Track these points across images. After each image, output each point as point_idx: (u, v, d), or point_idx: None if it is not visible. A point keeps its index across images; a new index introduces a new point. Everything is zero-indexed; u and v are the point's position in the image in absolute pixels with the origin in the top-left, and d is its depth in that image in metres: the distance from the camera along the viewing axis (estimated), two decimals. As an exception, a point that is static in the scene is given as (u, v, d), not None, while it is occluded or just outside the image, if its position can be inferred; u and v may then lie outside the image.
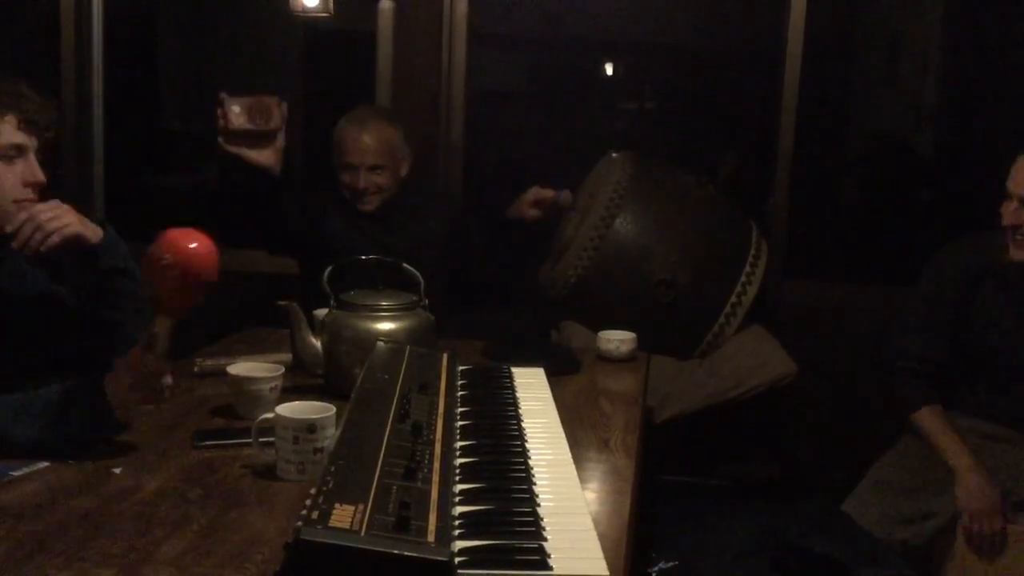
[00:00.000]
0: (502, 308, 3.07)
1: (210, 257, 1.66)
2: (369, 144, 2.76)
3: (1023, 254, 2.38)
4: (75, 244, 1.77)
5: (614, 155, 3.21)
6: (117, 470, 1.58)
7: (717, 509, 2.68)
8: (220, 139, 2.38)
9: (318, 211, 2.76)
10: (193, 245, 1.65)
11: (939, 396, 2.55)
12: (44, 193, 1.82)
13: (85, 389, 1.64)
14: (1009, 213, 2.37)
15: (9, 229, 1.75)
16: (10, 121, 1.74)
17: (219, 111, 2.36)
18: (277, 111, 2.39)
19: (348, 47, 4.04)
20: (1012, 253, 2.40)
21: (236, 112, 2.37)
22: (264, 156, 2.42)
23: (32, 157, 1.77)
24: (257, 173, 2.43)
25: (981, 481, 2.39)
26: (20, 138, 1.75)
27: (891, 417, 2.68)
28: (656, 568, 2.37)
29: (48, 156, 1.83)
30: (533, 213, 2.81)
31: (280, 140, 2.44)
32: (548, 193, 2.81)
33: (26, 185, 1.77)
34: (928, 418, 2.53)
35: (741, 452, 3.18)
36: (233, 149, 2.40)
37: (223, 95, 2.36)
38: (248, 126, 2.38)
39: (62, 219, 1.75)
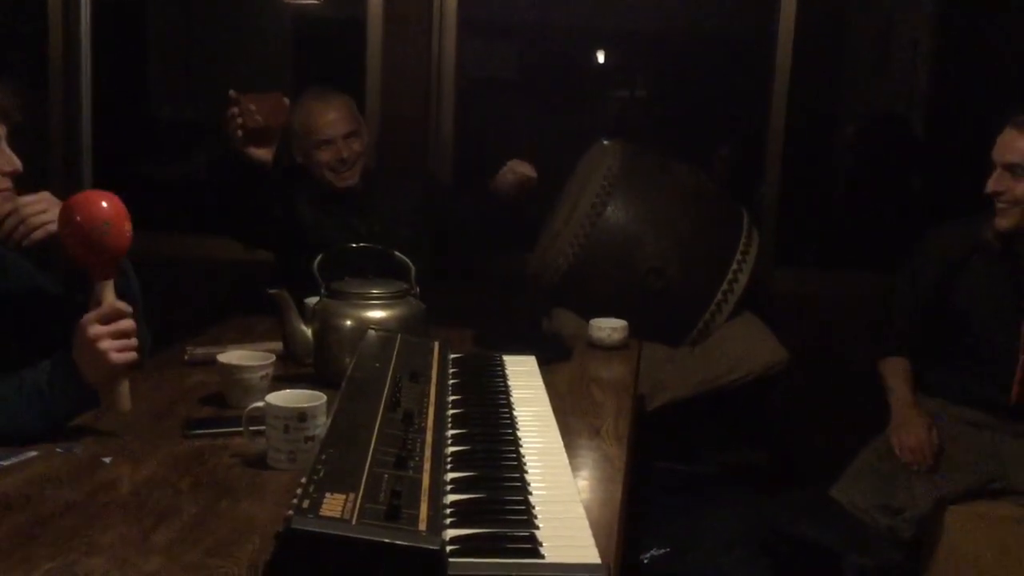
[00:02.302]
0: (492, 295, 3.08)
1: (111, 212, 1.66)
2: (337, 114, 2.81)
3: (1006, 222, 2.41)
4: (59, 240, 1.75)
5: (605, 143, 3.21)
6: (107, 460, 1.57)
7: (708, 496, 2.69)
8: (236, 136, 2.37)
9: (287, 199, 2.74)
10: (101, 205, 1.66)
11: (908, 353, 2.66)
12: (31, 184, 1.80)
13: (61, 368, 1.64)
14: (992, 180, 2.40)
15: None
16: None
17: (234, 109, 2.35)
18: (282, 107, 2.40)
19: (337, 35, 4.02)
20: (996, 223, 2.42)
21: (253, 110, 2.36)
22: (263, 152, 2.43)
23: (4, 144, 1.75)
24: (254, 168, 2.43)
25: (912, 414, 2.52)
26: None
27: (880, 404, 2.69)
28: (648, 555, 2.38)
29: (29, 146, 1.80)
30: (510, 179, 2.82)
31: (278, 135, 2.45)
32: (523, 165, 2.82)
33: (3, 173, 1.74)
34: (892, 365, 2.65)
35: (732, 439, 3.18)
36: (246, 147, 2.39)
37: (235, 93, 2.36)
38: (264, 124, 2.38)
39: (48, 213, 1.73)
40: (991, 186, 2.40)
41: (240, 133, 2.36)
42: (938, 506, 2.45)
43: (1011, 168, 2.36)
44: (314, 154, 2.80)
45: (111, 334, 1.64)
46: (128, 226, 1.68)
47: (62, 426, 1.66)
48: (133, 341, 1.67)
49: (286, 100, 2.40)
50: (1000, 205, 2.40)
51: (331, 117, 2.80)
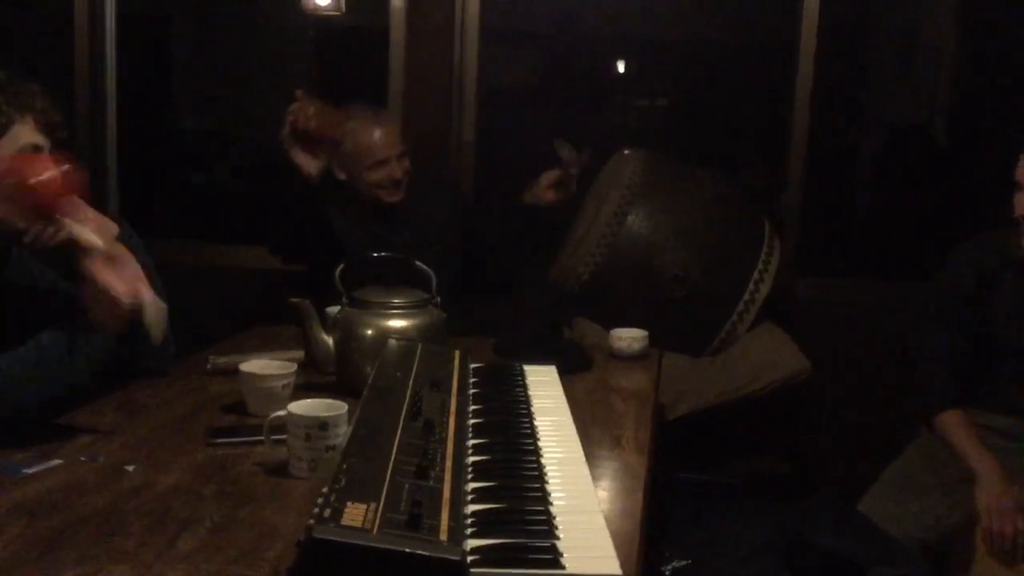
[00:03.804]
0: (513, 305, 3.08)
1: (37, 167, 1.68)
2: (389, 134, 2.83)
3: None
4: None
5: (626, 152, 3.20)
6: (130, 467, 1.58)
7: (730, 507, 2.67)
8: (286, 131, 2.43)
9: (321, 213, 2.75)
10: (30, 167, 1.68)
11: (961, 398, 2.53)
12: None
13: (82, 331, 1.68)
14: (1020, 203, 2.35)
15: (22, 226, 1.76)
16: (28, 122, 1.75)
17: (294, 106, 2.39)
18: (343, 126, 2.44)
19: (360, 45, 4.04)
20: None
21: (311, 112, 2.39)
22: (313, 165, 2.46)
23: None
24: (297, 181, 2.46)
25: (1002, 483, 2.37)
26: (37, 138, 1.77)
27: (906, 414, 2.67)
28: (669, 566, 2.36)
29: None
30: (550, 195, 2.83)
31: (327, 151, 2.50)
32: (556, 173, 2.85)
33: None
34: (951, 420, 2.50)
35: (754, 449, 3.17)
36: (288, 147, 2.43)
37: (302, 92, 2.40)
38: (318, 129, 2.42)
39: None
40: (1020, 210, 2.34)
41: (288, 129, 2.41)
42: (972, 520, 2.41)
43: None
44: (365, 174, 2.79)
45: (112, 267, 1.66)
46: (42, 164, 1.69)
47: (108, 370, 1.72)
48: (137, 270, 1.70)
49: (350, 122, 2.44)
50: None
51: (387, 138, 2.81)
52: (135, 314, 1.69)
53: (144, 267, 1.77)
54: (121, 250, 1.71)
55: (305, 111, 2.39)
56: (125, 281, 1.67)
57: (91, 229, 1.69)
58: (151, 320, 1.70)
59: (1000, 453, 2.47)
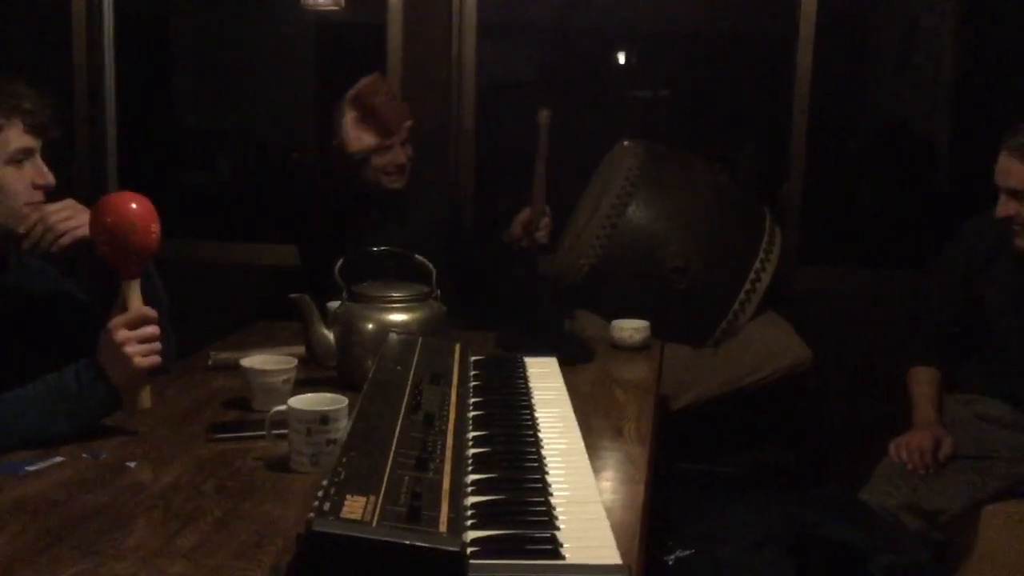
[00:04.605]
0: (512, 298, 3.06)
1: (139, 213, 1.69)
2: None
3: (1023, 243, 2.37)
4: (86, 245, 1.77)
5: (626, 143, 3.20)
6: (132, 464, 1.59)
7: (734, 497, 2.67)
8: (349, 95, 2.60)
9: (324, 199, 2.75)
10: (130, 206, 1.69)
11: (938, 361, 2.61)
12: (55, 192, 1.82)
13: (88, 370, 1.67)
14: (1000, 207, 2.36)
15: (21, 231, 1.76)
16: (16, 125, 1.73)
17: (370, 77, 2.60)
18: (405, 118, 2.63)
19: (358, 40, 4.04)
20: (1016, 244, 2.39)
21: (383, 91, 2.62)
22: (358, 142, 2.62)
23: (39, 159, 1.77)
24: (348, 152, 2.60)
25: (931, 429, 2.46)
26: (27, 141, 1.74)
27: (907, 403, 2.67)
28: (673, 556, 2.36)
29: (54, 154, 1.83)
30: (523, 241, 2.61)
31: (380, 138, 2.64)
32: (526, 214, 2.58)
33: (36, 187, 1.77)
34: (920, 375, 2.60)
35: (757, 439, 3.17)
36: (345, 114, 2.60)
37: (379, 73, 2.66)
38: (381, 107, 2.57)
39: (73, 220, 1.77)
40: (1000, 212, 2.36)
41: (354, 93, 2.55)
42: (972, 507, 2.41)
43: (1014, 194, 2.33)
44: (371, 158, 2.80)
45: (137, 338, 1.66)
46: (156, 227, 1.71)
47: (88, 428, 1.68)
48: (157, 345, 1.70)
49: (410, 122, 2.58)
50: (1015, 227, 2.37)
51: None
52: (139, 379, 1.69)
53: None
54: (147, 311, 1.71)
55: (377, 87, 2.40)
56: (143, 345, 1.68)
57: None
58: (145, 391, 1.72)
59: (1002, 438, 2.47)
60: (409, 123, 2.63)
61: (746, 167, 3.86)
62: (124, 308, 1.69)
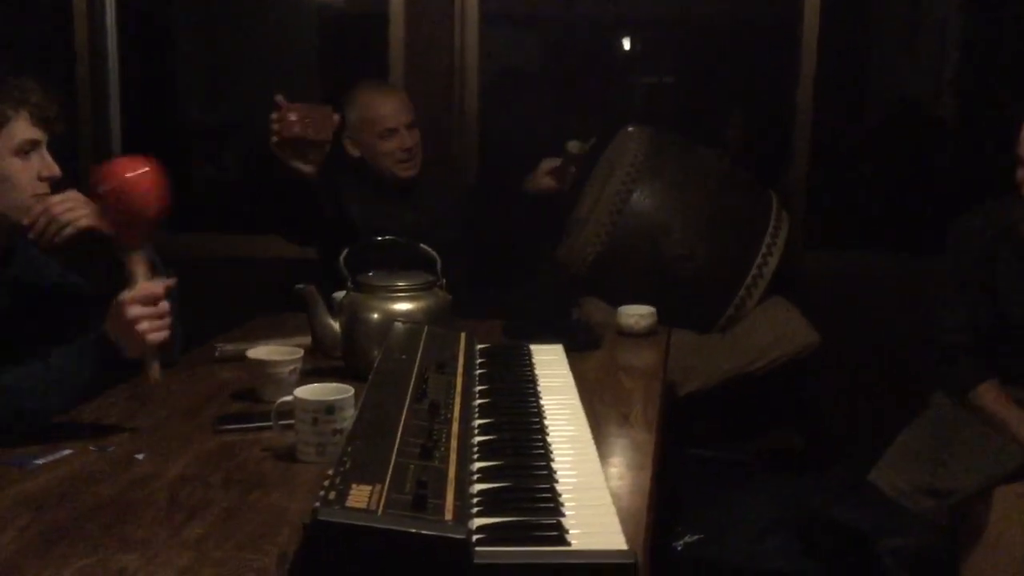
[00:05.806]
0: (521, 286, 3.07)
1: (146, 182, 1.68)
2: (399, 103, 2.84)
3: None
4: (90, 235, 1.78)
5: (630, 129, 3.19)
6: (139, 456, 1.59)
7: (741, 482, 2.67)
8: (273, 140, 2.39)
9: (336, 197, 2.75)
10: (130, 174, 1.68)
11: (992, 371, 2.51)
12: (60, 184, 1.83)
13: (97, 342, 1.68)
14: (1021, 175, 2.33)
15: (26, 222, 1.77)
16: (24, 117, 1.75)
17: (275, 115, 2.36)
18: (330, 122, 2.40)
19: (361, 30, 4.03)
20: None
21: (293, 120, 2.37)
22: (307, 166, 2.43)
23: (45, 151, 1.79)
24: (295, 179, 2.44)
25: None
26: (34, 133, 1.77)
27: (919, 387, 2.65)
28: (681, 541, 2.36)
29: (60, 150, 1.84)
30: (548, 183, 2.82)
31: (325, 149, 2.45)
32: (556, 161, 2.81)
33: (41, 179, 1.79)
34: (987, 392, 2.48)
35: (765, 424, 3.17)
36: (281, 155, 2.40)
37: (280, 99, 2.37)
38: (302, 135, 2.38)
39: (76, 211, 1.77)
40: (1020, 178, 2.33)
41: (275, 139, 2.38)
42: (984, 488, 2.41)
43: None
44: (378, 144, 2.79)
45: (148, 315, 1.66)
46: (156, 190, 1.69)
47: (89, 390, 1.72)
48: (167, 320, 1.70)
49: (336, 116, 2.41)
50: None
51: (395, 106, 2.82)
52: (150, 349, 1.69)
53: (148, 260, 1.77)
54: (154, 286, 1.70)
55: (287, 120, 2.36)
56: (155, 324, 1.68)
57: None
58: (156, 363, 1.72)
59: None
60: (332, 111, 2.52)
61: (732, 136, 3.85)
62: (132, 281, 1.69)
